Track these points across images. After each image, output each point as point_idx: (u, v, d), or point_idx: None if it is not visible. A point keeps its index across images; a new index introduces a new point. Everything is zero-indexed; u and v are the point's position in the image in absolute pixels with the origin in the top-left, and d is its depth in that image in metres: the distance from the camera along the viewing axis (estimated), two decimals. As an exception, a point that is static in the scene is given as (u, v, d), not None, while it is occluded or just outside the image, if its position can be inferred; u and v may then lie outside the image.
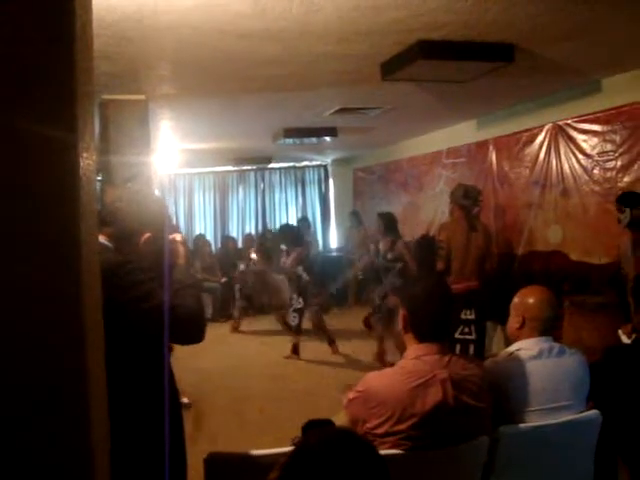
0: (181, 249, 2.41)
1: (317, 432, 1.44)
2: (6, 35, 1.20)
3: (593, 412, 2.60)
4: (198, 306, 2.29)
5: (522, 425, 2.49)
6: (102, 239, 2.15)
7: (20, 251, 1.23)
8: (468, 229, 5.74)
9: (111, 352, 1.52)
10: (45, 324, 1.24)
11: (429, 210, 9.20)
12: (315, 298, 8.06)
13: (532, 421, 2.51)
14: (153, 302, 2.09)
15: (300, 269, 7.95)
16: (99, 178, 4.94)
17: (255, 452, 2.25)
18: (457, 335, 5.46)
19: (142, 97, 5.35)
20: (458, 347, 5.39)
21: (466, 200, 5.79)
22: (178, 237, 2.47)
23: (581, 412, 2.60)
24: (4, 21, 1.20)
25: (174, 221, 11.65)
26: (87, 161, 1.28)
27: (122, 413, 1.82)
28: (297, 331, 7.93)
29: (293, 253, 8.05)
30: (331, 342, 7.92)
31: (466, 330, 5.53)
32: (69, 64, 1.23)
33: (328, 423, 2.18)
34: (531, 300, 2.75)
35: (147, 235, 2.34)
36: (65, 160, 1.23)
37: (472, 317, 5.54)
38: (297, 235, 8.50)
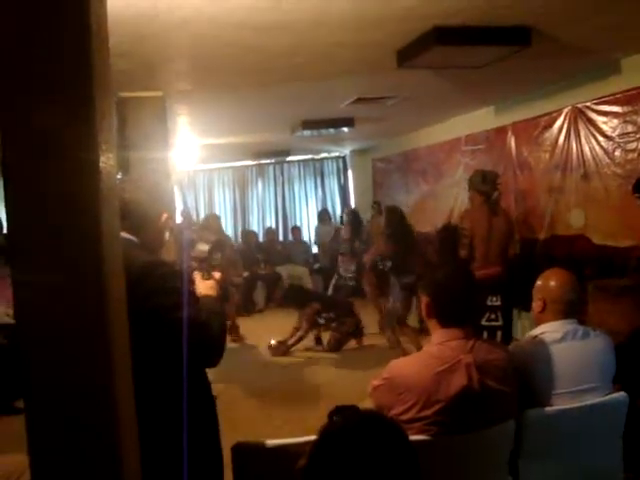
0: (209, 283, 2.36)
1: (343, 416, 1.45)
2: (22, 34, 1.22)
3: (620, 394, 2.58)
4: (222, 333, 2.27)
5: (548, 408, 2.48)
6: (124, 235, 2.15)
7: (41, 244, 1.25)
8: (490, 214, 5.70)
9: (136, 350, 1.53)
10: (68, 316, 1.26)
11: (449, 198, 9.13)
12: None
13: (558, 404, 2.50)
14: (181, 314, 2.03)
15: None
16: (118, 176, 4.98)
17: (282, 441, 2.26)
18: (483, 322, 5.42)
19: (159, 93, 5.38)
20: (485, 334, 5.35)
21: (485, 185, 5.74)
22: (217, 275, 2.43)
23: (608, 394, 2.59)
24: (19, 21, 1.22)
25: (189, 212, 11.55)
26: (107, 154, 1.29)
27: (149, 407, 1.84)
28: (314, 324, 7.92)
29: None
30: (357, 334, 7.89)
31: (492, 316, 5.49)
32: (86, 62, 1.25)
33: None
34: (552, 283, 2.73)
35: (165, 215, 2.37)
36: (85, 155, 1.25)
37: (498, 303, 5.49)
38: None
